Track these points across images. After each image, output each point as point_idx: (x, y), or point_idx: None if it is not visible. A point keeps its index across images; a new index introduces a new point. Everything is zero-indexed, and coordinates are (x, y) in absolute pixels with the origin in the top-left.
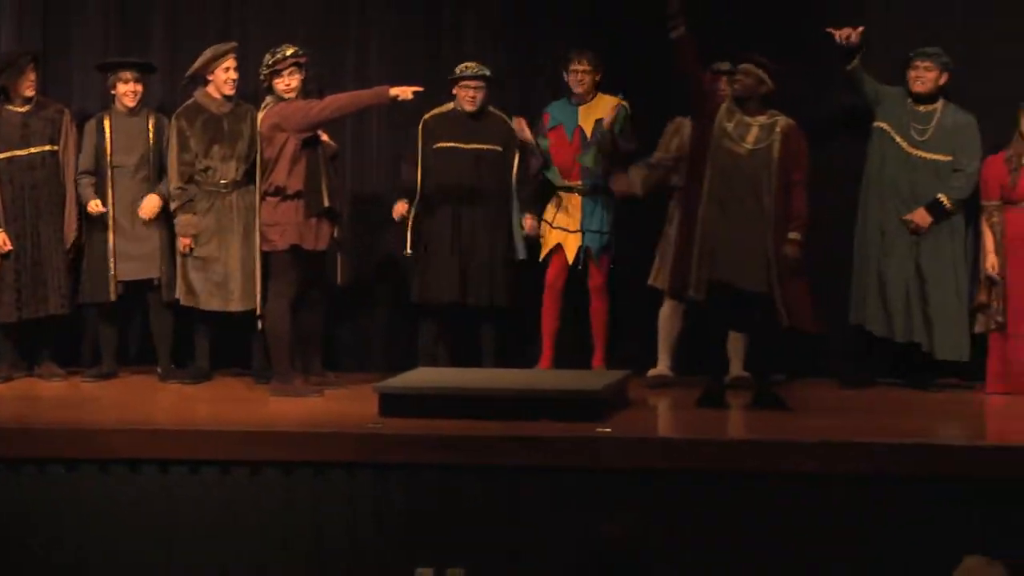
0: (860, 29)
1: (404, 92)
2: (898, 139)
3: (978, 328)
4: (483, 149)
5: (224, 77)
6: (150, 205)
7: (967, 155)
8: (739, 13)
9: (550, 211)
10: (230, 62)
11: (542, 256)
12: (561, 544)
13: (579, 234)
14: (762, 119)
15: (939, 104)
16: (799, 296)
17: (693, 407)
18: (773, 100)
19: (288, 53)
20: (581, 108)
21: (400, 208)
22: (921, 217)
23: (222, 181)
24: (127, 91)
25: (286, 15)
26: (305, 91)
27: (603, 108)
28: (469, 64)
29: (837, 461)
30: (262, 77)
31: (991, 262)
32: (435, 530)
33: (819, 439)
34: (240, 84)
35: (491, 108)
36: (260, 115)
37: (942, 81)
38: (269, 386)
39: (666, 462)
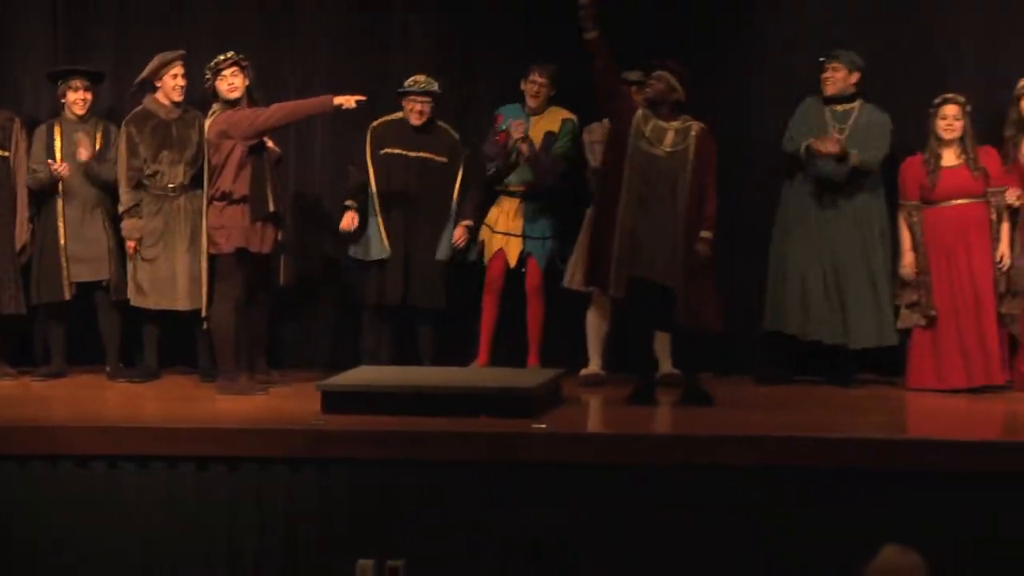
0: (840, 138)
1: (348, 101)
2: None
3: (902, 323)
4: (428, 158)
5: (172, 84)
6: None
7: (869, 149)
8: (658, 20)
9: (492, 214)
10: (178, 69)
11: (486, 260)
12: (498, 536)
13: (521, 239)
14: (676, 124)
15: (857, 104)
16: (707, 294)
17: (624, 404)
18: (687, 107)
19: (229, 55)
20: (533, 118)
21: (347, 221)
22: (831, 144)
23: (170, 185)
24: (77, 99)
25: (231, 24)
26: (251, 98)
27: (554, 121)
28: (418, 78)
29: (762, 454)
30: (207, 84)
31: (908, 260)
32: (376, 523)
33: (745, 434)
34: (188, 92)
35: (439, 122)
36: (208, 122)
37: (853, 80)
38: (215, 384)
39: (598, 457)
